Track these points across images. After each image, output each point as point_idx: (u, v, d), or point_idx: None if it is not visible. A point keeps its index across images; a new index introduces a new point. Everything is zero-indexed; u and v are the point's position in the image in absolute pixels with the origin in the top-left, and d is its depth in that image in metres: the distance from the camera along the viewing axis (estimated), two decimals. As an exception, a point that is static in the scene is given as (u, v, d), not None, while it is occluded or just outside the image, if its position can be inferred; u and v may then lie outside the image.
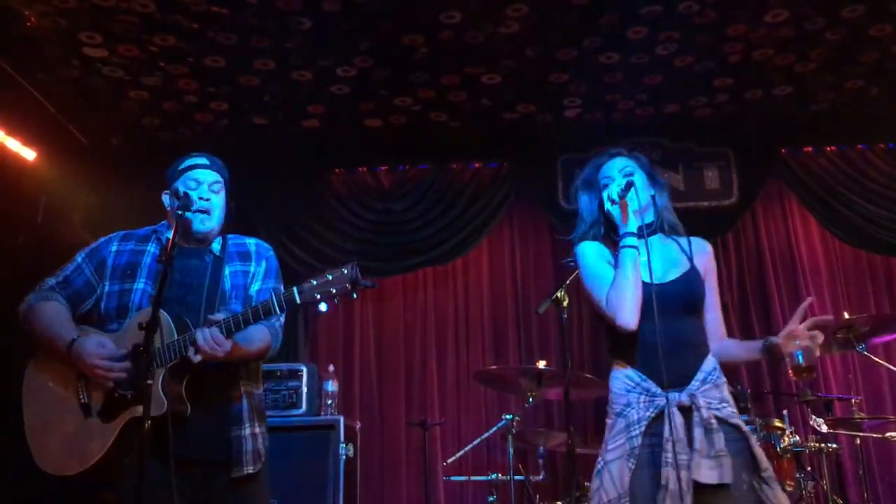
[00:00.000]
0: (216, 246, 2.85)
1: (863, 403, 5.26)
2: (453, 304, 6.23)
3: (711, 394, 2.43)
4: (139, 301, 2.69)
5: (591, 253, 2.63)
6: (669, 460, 2.30)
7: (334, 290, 2.44)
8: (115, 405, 2.55)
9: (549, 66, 5.25)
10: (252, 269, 2.87)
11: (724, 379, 2.50)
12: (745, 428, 2.43)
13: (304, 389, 4.87)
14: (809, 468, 4.37)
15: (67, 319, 2.71)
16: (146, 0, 4.47)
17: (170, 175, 2.86)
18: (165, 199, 2.88)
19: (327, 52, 5.03)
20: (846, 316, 4.27)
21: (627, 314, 2.45)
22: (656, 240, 2.63)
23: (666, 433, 2.34)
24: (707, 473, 2.29)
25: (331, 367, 5.23)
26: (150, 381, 2.30)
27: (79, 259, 2.84)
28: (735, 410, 2.47)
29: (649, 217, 2.62)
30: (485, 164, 6.24)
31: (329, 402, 5.04)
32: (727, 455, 2.30)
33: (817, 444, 4.24)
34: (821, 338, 2.39)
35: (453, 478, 5.27)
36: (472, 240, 6.09)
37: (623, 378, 2.51)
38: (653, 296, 2.44)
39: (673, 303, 2.48)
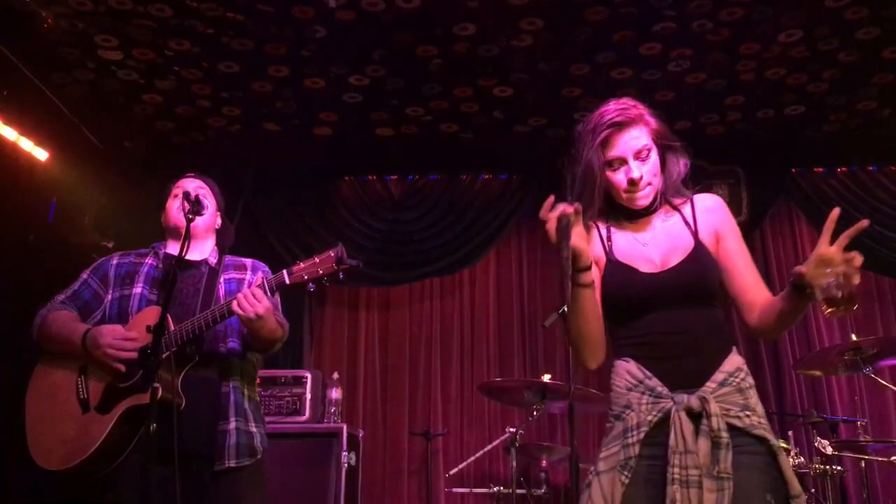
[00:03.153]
0: (212, 259, 3.02)
1: (868, 426, 5.22)
2: (459, 315, 6.23)
3: (732, 399, 2.00)
4: (137, 305, 2.83)
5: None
6: (676, 476, 1.90)
7: (321, 271, 2.54)
8: (112, 397, 2.64)
9: (562, 81, 5.27)
10: (248, 277, 3.01)
11: (752, 382, 2.06)
12: (775, 442, 1.98)
13: (308, 396, 4.88)
14: (814, 490, 4.35)
15: (78, 320, 2.87)
16: (162, 4, 4.50)
17: (162, 199, 3.12)
18: (162, 219, 3.09)
19: (341, 61, 5.06)
20: (853, 338, 4.25)
21: (584, 359, 2.15)
22: (657, 220, 2.26)
23: (671, 442, 1.94)
24: (706, 496, 1.88)
25: (335, 375, 5.24)
26: (157, 385, 2.34)
27: (84, 276, 3.02)
28: (763, 421, 2.00)
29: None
30: (495, 177, 6.25)
31: (333, 409, 5.05)
32: (730, 479, 1.88)
33: (822, 467, 4.21)
34: (859, 259, 1.82)
35: (455, 489, 5.26)
36: (480, 251, 6.09)
37: (624, 374, 2.11)
38: (648, 290, 2.10)
39: (676, 293, 2.09)
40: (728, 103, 5.54)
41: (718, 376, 2.02)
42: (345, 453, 4.56)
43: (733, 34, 4.78)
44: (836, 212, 1.89)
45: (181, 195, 2.95)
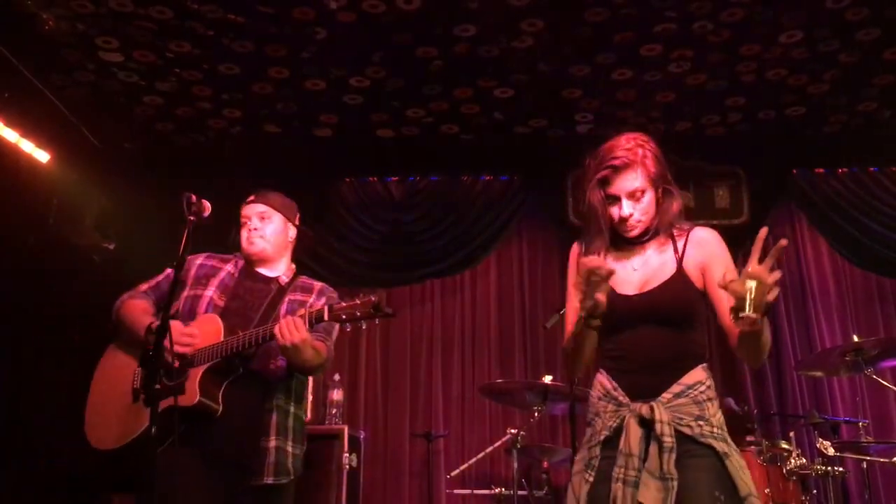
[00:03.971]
0: (284, 278, 3.14)
1: (870, 427, 5.22)
2: (460, 317, 6.22)
3: (686, 409, 2.19)
4: (205, 307, 2.95)
5: (573, 260, 2.57)
6: (619, 475, 2.14)
7: (359, 314, 2.65)
8: (157, 394, 2.70)
9: (562, 82, 5.26)
10: (311, 300, 3.09)
11: (711, 395, 2.24)
12: (724, 449, 2.16)
13: (310, 398, 4.87)
14: (815, 491, 4.35)
15: (150, 314, 2.99)
16: (163, 6, 4.50)
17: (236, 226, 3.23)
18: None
19: (341, 63, 5.06)
20: (855, 339, 4.25)
21: (574, 374, 2.59)
22: (651, 249, 2.41)
23: (620, 445, 2.18)
24: (652, 496, 2.08)
25: (336, 377, 5.23)
26: (158, 386, 2.37)
27: (168, 270, 3.15)
28: (716, 430, 2.19)
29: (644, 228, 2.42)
30: (496, 178, 6.24)
31: (334, 411, 5.04)
32: (675, 479, 2.09)
33: (824, 468, 4.20)
34: (777, 275, 1.92)
35: (456, 491, 5.26)
36: (481, 252, 6.09)
37: (598, 385, 2.37)
38: (622, 310, 2.29)
39: (650, 314, 2.28)
40: (729, 104, 5.54)
41: (676, 388, 2.22)
42: (346, 455, 4.56)
43: (734, 35, 4.78)
44: (763, 231, 2.00)
45: (248, 223, 3.13)
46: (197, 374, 2.73)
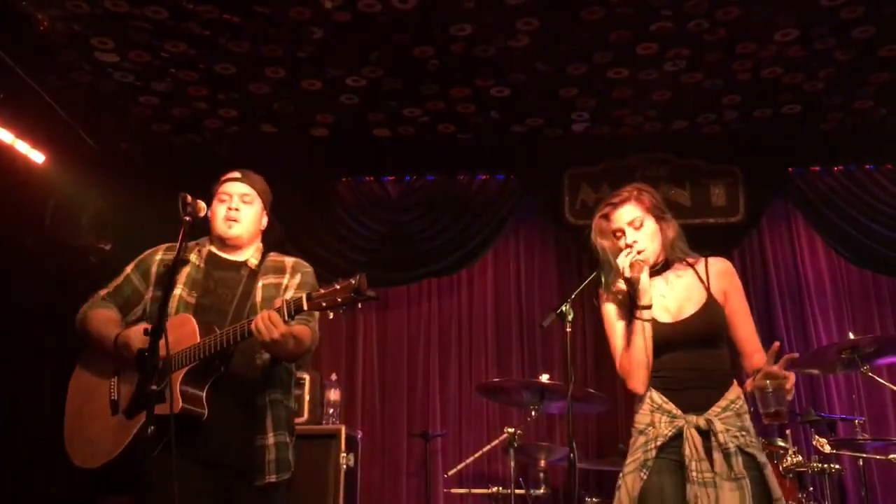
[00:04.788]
0: (253, 261, 2.98)
1: (866, 424, 5.23)
2: (457, 316, 6.23)
3: (731, 421, 2.52)
4: (176, 307, 2.82)
5: (608, 314, 2.80)
6: (695, 478, 2.41)
7: (339, 300, 2.53)
8: (139, 402, 2.64)
9: (559, 80, 5.27)
10: (286, 281, 2.97)
11: (747, 408, 2.60)
12: (762, 459, 2.50)
13: (307, 398, 4.88)
14: (812, 489, 4.35)
15: (116, 322, 2.90)
16: (158, 7, 4.49)
17: (213, 192, 3.06)
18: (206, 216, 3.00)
19: (338, 62, 5.06)
20: (851, 336, 4.25)
21: (636, 383, 2.63)
22: (670, 274, 2.75)
23: (687, 452, 2.46)
24: (729, 496, 2.37)
25: (333, 376, 5.23)
26: (154, 387, 2.34)
27: (128, 270, 3.02)
28: (754, 440, 2.54)
29: (660, 257, 2.74)
30: (492, 177, 6.24)
31: (331, 410, 5.04)
32: (746, 478, 2.40)
33: (820, 465, 4.21)
34: (792, 379, 2.46)
35: (454, 490, 5.26)
36: (478, 252, 6.09)
37: (647, 400, 2.63)
38: (667, 336, 2.61)
39: (690, 338, 2.62)
40: (725, 102, 5.54)
41: (722, 402, 2.56)
42: (343, 455, 4.56)
43: (729, 33, 4.78)
44: (776, 345, 2.53)
45: (228, 201, 2.97)
46: (176, 379, 2.61)
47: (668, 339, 2.62)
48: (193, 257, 2.96)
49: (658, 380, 2.64)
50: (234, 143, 5.96)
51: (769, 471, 2.49)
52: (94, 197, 5.77)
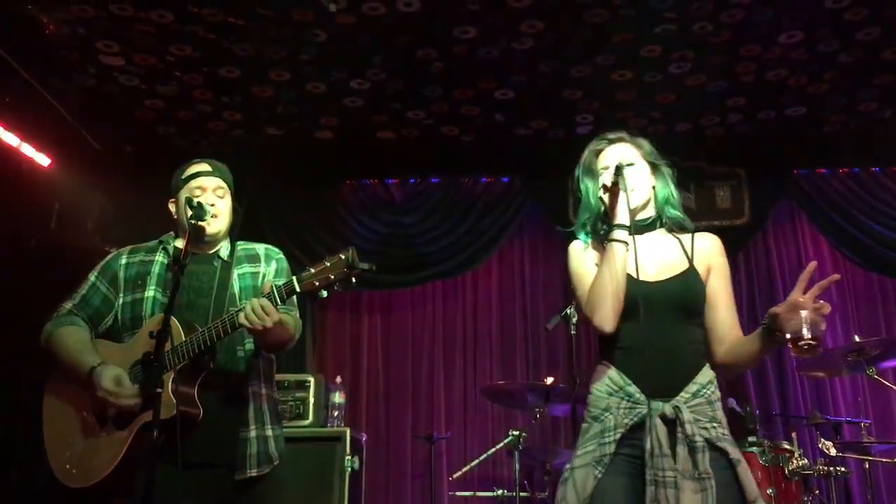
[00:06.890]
0: (224, 252, 2.88)
1: (872, 427, 5.21)
2: (462, 318, 6.23)
3: (702, 410, 2.17)
4: (151, 309, 2.72)
5: (575, 254, 2.50)
6: (653, 478, 2.07)
7: (332, 276, 2.41)
8: (127, 413, 2.57)
9: (563, 83, 5.27)
10: (262, 269, 2.87)
11: (719, 395, 2.25)
12: (735, 455, 2.16)
13: (311, 400, 4.86)
14: (818, 491, 4.35)
15: (86, 345, 2.72)
16: (163, 10, 4.50)
17: (174, 184, 2.91)
18: (172, 207, 2.92)
19: (342, 65, 5.06)
20: (856, 339, 4.24)
21: (604, 313, 2.22)
22: (654, 236, 2.42)
23: (647, 446, 2.10)
24: (690, 497, 2.03)
25: (338, 379, 5.23)
26: (159, 390, 2.30)
27: (92, 278, 2.87)
28: (726, 432, 2.20)
29: (648, 212, 2.44)
30: (496, 179, 6.24)
31: (336, 413, 5.04)
32: (711, 478, 2.06)
33: (826, 468, 4.20)
34: (827, 308, 2.07)
35: (458, 493, 5.25)
36: (482, 254, 6.09)
37: (605, 380, 2.26)
38: (639, 295, 2.23)
39: (663, 305, 2.26)
40: (729, 105, 5.54)
41: (692, 387, 2.20)
42: (348, 457, 4.55)
43: (734, 36, 4.78)
44: (812, 265, 2.14)
45: (203, 195, 2.80)
46: (167, 382, 2.49)
47: (640, 299, 2.22)
48: (160, 256, 2.84)
49: (620, 352, 2.26)
50: (239, 145, 5.95)
51: (743, 468, 2.14)
52: (99, 199, 5.79)
